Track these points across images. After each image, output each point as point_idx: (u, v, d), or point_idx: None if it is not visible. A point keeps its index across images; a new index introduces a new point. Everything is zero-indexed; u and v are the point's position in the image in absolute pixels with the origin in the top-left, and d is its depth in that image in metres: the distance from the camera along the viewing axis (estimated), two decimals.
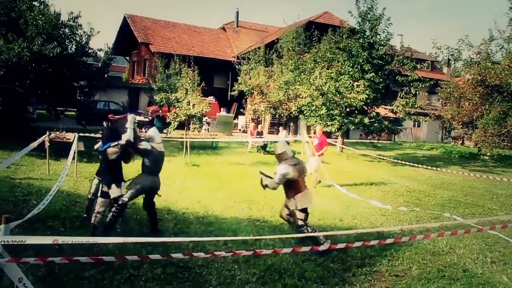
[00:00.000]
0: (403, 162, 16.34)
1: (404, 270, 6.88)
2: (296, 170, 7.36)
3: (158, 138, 7.87)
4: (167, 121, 21.42)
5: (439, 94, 29.27)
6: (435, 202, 12.94)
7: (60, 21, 18.88)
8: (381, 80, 21.99)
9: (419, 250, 7.81)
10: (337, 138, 24.33)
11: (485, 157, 22.87)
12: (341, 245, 5.20)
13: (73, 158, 12.48)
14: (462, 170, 18.86)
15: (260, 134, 23.86)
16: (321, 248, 6.57)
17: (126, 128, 7.35)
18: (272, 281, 6.16)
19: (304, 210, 7.42)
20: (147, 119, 27.69)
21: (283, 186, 7.54)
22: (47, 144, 13.31)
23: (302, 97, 22.42)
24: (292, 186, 7.46)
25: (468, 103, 24.35)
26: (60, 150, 14.83)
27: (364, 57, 21.55)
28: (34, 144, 12.23)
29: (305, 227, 7.35)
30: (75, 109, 24.89)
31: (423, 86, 21.97)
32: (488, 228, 5.91)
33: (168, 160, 17.80)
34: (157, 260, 6.41)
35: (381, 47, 22.01)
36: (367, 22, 22.13)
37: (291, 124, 32.41)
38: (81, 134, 13.73)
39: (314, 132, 16.64)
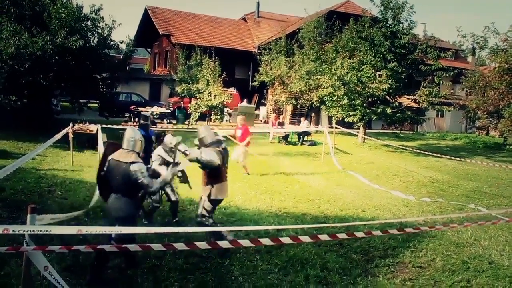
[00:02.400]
0: (426, 152, 16.14)
1: (428, 261, 6.80)
2: (221, 157, 6.64)
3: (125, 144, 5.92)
4: (188, 112, 21.53)
5: (463, 83, 28.71)
6: (459, 193, 12.75)
7: (83, 14, 19.05)
8: (403, 69, 21.64)
9: (443, 241, 7.70)
10: (359, 129, 24.13)
11: (511, 146, 22.41)
12: (363, 234, 5.16)
13: (96, 149, 12.66)
14: (486, 161, 18.54)
15: (281, 124, 23.81)
16: (227, 239, 5.97)
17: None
18: (294, 271, 6.15)
19: (215, 202, 6.85)
20: (168, 110, 27.82)
21: (203, 171, 6.80)
22: (70, 135, 13.50)
23: (324, 87, 22.25)
24: (214, 174, 6.71)
25: (494, 92, 23.79)
26: (83, 142, 15.05)
27: (387, 46, 21.23)
28: (58, 136, 12.42)
29: (206, 218, 6.78)
30: (97, 101, 25.12)
31: (446, 75, 21.59)
32: None
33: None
34: (180, 250, 6.47)
35: (404, 36, 21.64)
36: (390, 11, 21.76)
37: (313, 114, 32.20)
38: (104, 126, 13.89)
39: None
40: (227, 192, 7.09)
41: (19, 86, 17.21)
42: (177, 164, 6.03)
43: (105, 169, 5.68)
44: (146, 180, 5.44)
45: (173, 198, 8.18)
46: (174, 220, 8.18)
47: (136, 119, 23.09)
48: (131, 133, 5.73)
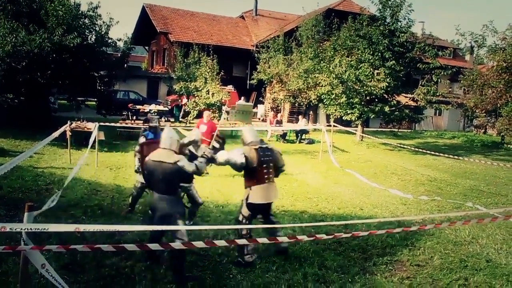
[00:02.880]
0: (424, 151, 16.17)
1: (426, 259, 6.81)
2: (254, 157, 6.24)
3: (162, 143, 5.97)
4: (186, 110, 21.52)
5: (461, 82, 28.73)
6: (457, 191, 12.77)
7: (80, 12, 18.97)
8: (402, 68, 21.64)
9: (441, 239, 7.71)
10: (357, 127, 24.14)
11: (509, 145, 22.45)
12: (363, 233, 5.16)
13: (94, 147, 12.63)
14: (484, 159, 18.57)
15: (279, 122, 23.80)
16: (245, 260, 6.13)
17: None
18: (292, 270, 6.15)
19: (251, 206, 6.38)
20: (166, 108, 27.78)
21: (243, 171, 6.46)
22: (68, 133, 13.49)
23: (322, 86, 22.26)
24: (249, 175, 6.40)
25: (492, 90, 23.83)
26: (81, 140, 15.02)
27: (385, 44, 21.23)
28: (56, 134, 12.39)
29: (243, 223, 6.41)
30: (95, 99, 25.06)
31: (445, 73, 21.60)
32: None
33: None
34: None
35: (402, 34, 21.64)
36: (388, 9, 21.76)
37: (311, 112, 32.21)
38: (102, 124, 13.86)
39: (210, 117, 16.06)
40: (270, 196, 6.45)
41: (16, 84, 17.15)
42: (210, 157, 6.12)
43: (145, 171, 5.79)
44: (192, 167, 5.59)
45: (200, 200, 7.92)
46: (190, 223, 7.83)
47: (134, 117, 23.07)
48: (169, 132, 5.78)
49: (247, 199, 6.35)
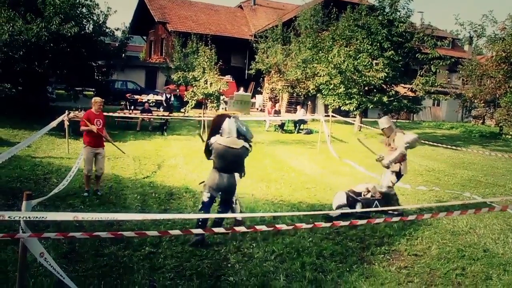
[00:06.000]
0: (422, 141, 16.10)
1: (423, 249, 6.83)
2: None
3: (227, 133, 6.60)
4: (184, 100, 21.47)
5: (460, 72, 28.68)
6: (455, 181, 12.80)
7: (77, 1, 18.83)
8: (400, 58, 21.58)
9: (439, 229, 7.73)
10: (355, 117, 24.12)
11: (507, 136, 22.42)
12: (361, 221, 5.17)
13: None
14: (482, 150, 18.58)
15: (277, 113, 23.77)
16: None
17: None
18: (290, 259, 6.17)
19: (399, 176, 8.68)
20: (163, 98, 27.70)
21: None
22: (66, 123, 13.47)
23: (320, 76, 22.19)
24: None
25: (491, 81, 23.80)
26: (79, 129, 14.96)
27: (384, 34, 21.16)
28: (54, 124, 12.38)
29: (391, 189, 8.67)
30: (93, 89, 25.01)
31: (443, 64, 21.53)
32: None
33: (186, 139, 17.94)
34: (176, 238, 6.48)
35: (401, 24, 21.56)
36: None
37: (309, 103, 32.13)
38: None
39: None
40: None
41: (14, 73, 17.08)
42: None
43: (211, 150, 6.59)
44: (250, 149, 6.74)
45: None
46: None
47: (132, 107, 23.02)
48: (231, 123, 6.56)
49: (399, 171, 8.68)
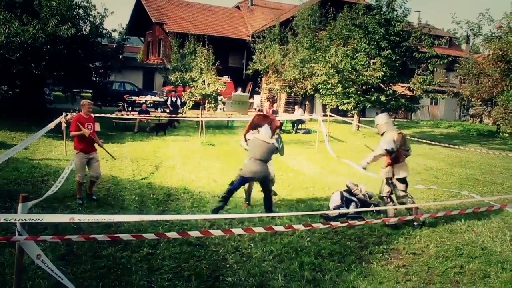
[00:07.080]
0: (420, 140, 16.14)
1: (421, 248, 6.83)
2: (399, 138, 7.83)
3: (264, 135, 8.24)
4: (182, 101, 21.47)
5: (457, 71, 28.72)
6: (453, 180, 12.80)
7: (74, 2, 18.80)
8: (398, 57, 21.60)
9: (437, 228, 7.73)
10: (353, 117, 24.13)
11: (504, 134, 22.44)
12: (359, 222, 5.16)
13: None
14: (480, 148, 18.61)
15: (275, 113, 23.77)
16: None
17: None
18: (288, 259, 6.16)
19: (403, 180, 7.78)
20: (162, 99, 27.69)
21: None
22: (63, 125, 13.44)
23: (318, 75, 22.21)
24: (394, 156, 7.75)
25: (488, 79, 23.79)
26: None
27: (381, 33, 21.17)
28: (51, 125, 12.36)
29: (406, 197, 7.74)
30: (90, 90, 24.98)
31: (441, 63, 21.57)
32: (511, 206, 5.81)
33: (184, 140, 17.94)
34: (174, 239, 6.47)
35: (398, 24, 21.58)
36: None
37: (307, 102, 32.15)
38: (97, 115, 13.79)
39: None
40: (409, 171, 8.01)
41: (10, 75, 17.04)
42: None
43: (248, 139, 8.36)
44: (278, 146, 8.37)
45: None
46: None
47: (130, 108, 23.00)
48: (267, 129, 8.20)
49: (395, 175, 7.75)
